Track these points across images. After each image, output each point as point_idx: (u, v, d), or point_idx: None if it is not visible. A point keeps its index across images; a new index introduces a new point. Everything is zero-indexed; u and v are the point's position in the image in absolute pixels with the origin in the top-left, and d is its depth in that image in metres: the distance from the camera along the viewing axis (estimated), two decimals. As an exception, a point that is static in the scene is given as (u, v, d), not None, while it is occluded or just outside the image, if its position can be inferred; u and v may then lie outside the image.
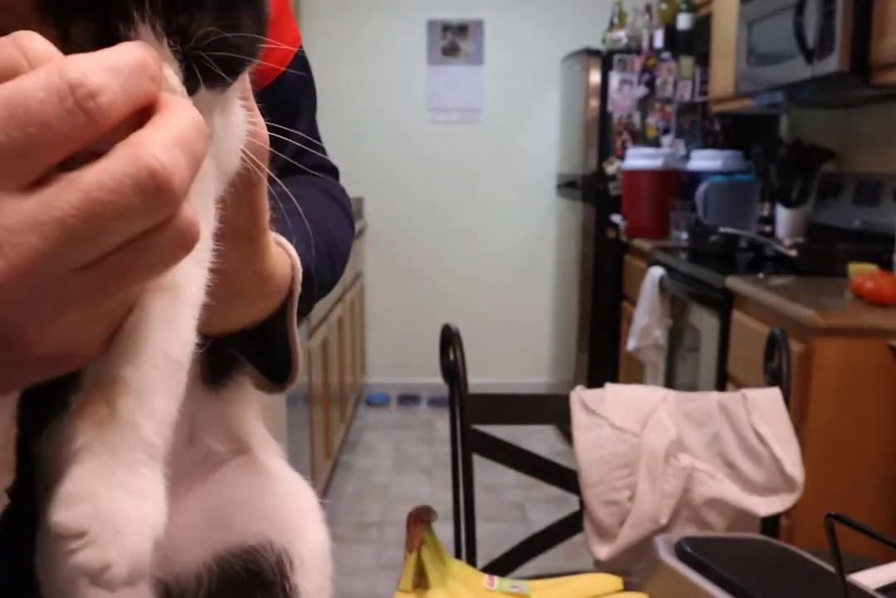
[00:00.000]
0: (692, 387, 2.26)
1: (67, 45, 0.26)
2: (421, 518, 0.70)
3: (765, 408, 1.07)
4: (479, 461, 1.11)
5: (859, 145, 2.56)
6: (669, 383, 2.53)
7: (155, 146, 0.23)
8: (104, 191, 0.22)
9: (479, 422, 1.11)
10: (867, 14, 1.88)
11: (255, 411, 0.47)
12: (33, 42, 0.23)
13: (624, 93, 3.17)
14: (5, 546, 0.36)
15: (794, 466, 1.05)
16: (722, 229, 2.51)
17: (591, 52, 3.20)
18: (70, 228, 0.22)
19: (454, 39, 3.87)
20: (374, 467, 3.18)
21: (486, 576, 0.74)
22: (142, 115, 0.24)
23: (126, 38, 0.26)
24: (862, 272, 1.78)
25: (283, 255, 0.42)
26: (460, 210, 3.97)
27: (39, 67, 0.22)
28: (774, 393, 1.08)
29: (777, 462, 1.05)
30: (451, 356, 1.10)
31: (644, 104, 3.18)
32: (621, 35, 3.28)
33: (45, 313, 0.24)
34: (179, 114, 0.25)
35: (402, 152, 3.91)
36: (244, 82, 0.33)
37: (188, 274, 0.30)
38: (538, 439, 3.30)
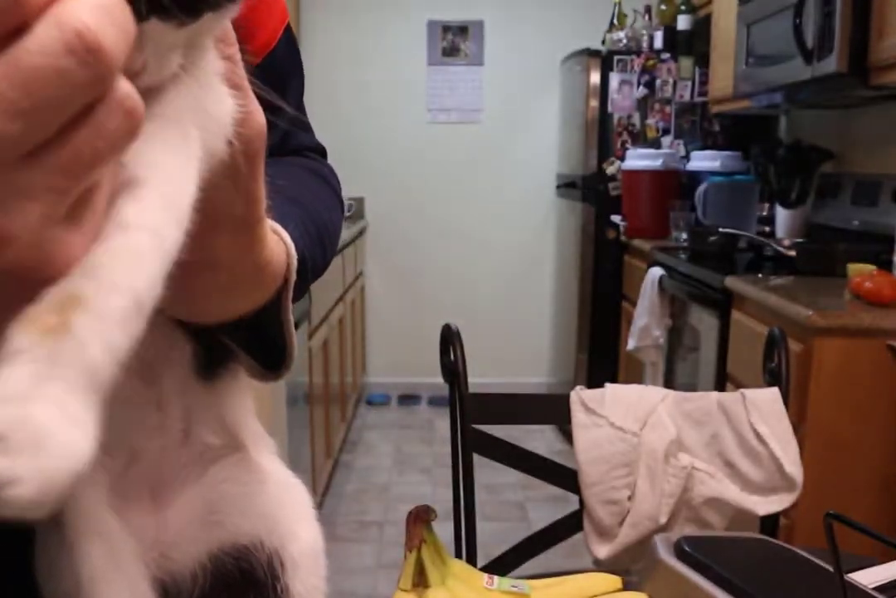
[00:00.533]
0: (691, 387, 2.27)
1: None
2: (421, 518, 0.71)
3: (764, 408, 1.07)
4: (479, 461, 1.11)
5: (858, 146, 2.56)
6: (669, 382, 2.54)
7: (78, 11, 0.22)
8: (34, 56, 0.21)
9: (480, 422, 1.11)
10: (866, 15, 1.89)
11: (249, 404, 0.46)
12: None
13: (624, 93, 3.17)
14: (5, 551, 0.36)
15: (793, 465, 1.05)
16: (721, 230, 2.51)
17: (590, 53, 3.21)
18: (8, 100, 0.21)
19: (454, 40, 3.87)
20: (374, 467, 3.18)
21: (485, 575, 0.74)
22: None
23: None
24: (861, 272, 1.78)
25: (278, 242, 0.42)
26: (460, 210, 3.97)
27: (55, 13, 0.22)
28: (774, 393, 1.08)
29: (776, 462, 1.05)
30: (452, 356, 1.10)
31: (644, 105, 3.18)
32: (621, 36, 3.28)
33: (2, 207, 0.23)
34: None
35: (402, 153, 3.91)
36: (236, 66, 0.32)
37: (166, 223, 0.28)
38: (538, 438, 3.30)
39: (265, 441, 0.47)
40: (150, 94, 0.28)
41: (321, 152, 0.65)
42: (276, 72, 0.53)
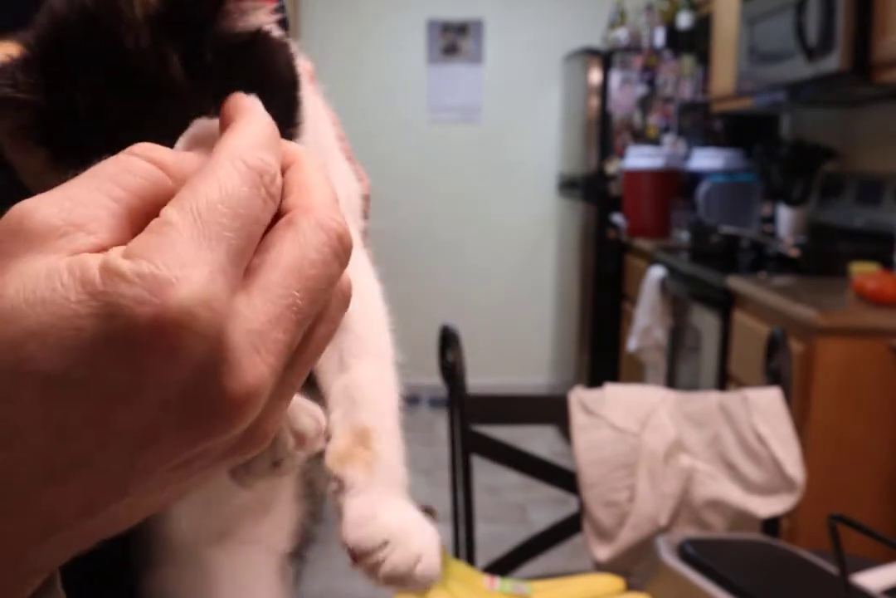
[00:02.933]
0: (693, 387, 2.26)
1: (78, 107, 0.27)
2: (420, 520, 0.70)
3: (765, 408, 1.07)
4: (479, 462, 1.11)
5: (861, 144, 2.55)
6: (670, 383, 2.53)
7: (327, 209, 0.24)
8: (315, 266, 0.23)
9: (479, 423, 1.11)
10: (868, 13, 1.88)
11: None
12: (163, 154, 0.23)
13: (625, 92, 3.17)
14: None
15: (794, 466, 1.04)
16: (723, 229, 2.51)
17: (591, 52, 3.20)
18: (300, 310, 0.23)
19: (454, 39, 3.86)
20: (374, 468, 3.18)
21: (486, 577, 0.74)
22: None
23: None
24: (863, 272, 1.77)
25: None
26: (460, 210, 3.97)
27: (221, 160, 0.23)
28: (775, 393, 1.08)
29: (777, 463, 1.04)
30: (450, 357, 1.09)
31: (645, 103, 3.17)
32: (622, 34, 3.27)
33: (274, 412, 0.25)
34: (315, 169, 0.26)
35: (402, 152, 3.90)
36: (345, 141, 0.37)
37: (385, 347, 0.37)
38: (538, 439, 3.29)
39: None
40: None
41: None
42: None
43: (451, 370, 1.09)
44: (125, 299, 0.20)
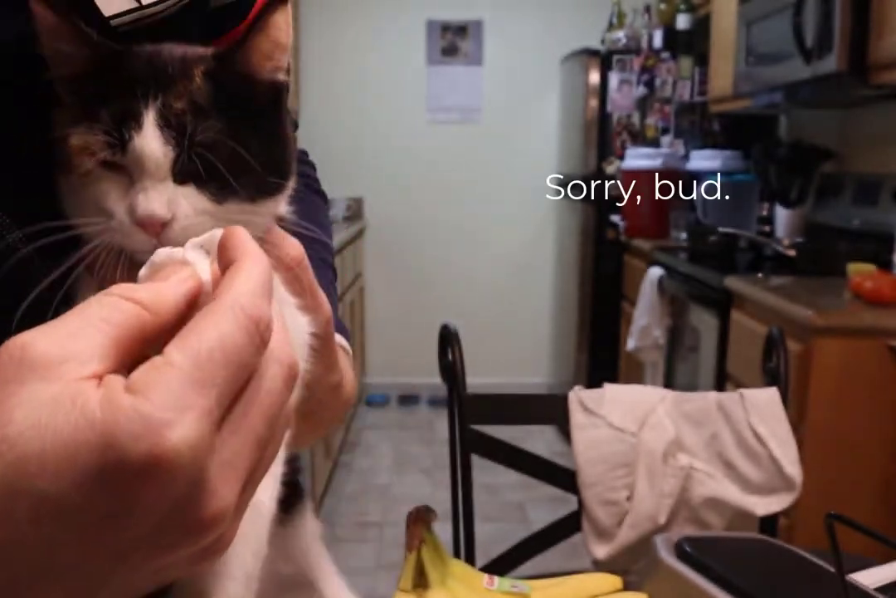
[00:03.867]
0: (691, 387, 2.26)
1: (93, 127, 0.34)
2: (421, 518, 0.70)
3: (763, 408, 1.07)
4: (478, 461, 1.11)
5: (858, 145, 2.56)
6: (669, 382, 2.54)
7: (284, 348, 0.28)
8: (272, 396, 0.27)
9: (478, 422, 1.11)
10: (865, 14, 1.88)
11: (318, 548, 0.51)
12: (140, 293, 0.27)
13: (623, 93, 3.17)
14: None
15: (792, 465, 1.05)
16: (721, 229, 2.51)
17: (590, 53, 3.21)
18: (262, 439, 0.27)
19: (453, 40, 3.87)
20: (373, 468, 3.18)
21: (486, 576, 0.74)
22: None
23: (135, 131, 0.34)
24: (861, 272, 1.78)
25: (345, 359, 0.47)
26: (460, 210, 3.97)
27: (224, 307, 0.26)
28: (773, 393, 1.08)
29: (775, 462, 1.05)
30: (450, 356, 1.10)
31: (643, 104, 3.18)
32: (620, 35, 3.28)
33: (236, 520, 0.28)
34: (280, 314, 0.29)
35: (401, 152, 3.91)
36: (299, 270, 0.39)
37: (265, 488, 0.36)
38: (537, 439, 3.30)
39: (336, 579, 0.52)
40: None
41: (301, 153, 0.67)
42: None
43: (451, 370, 1.10)
44: (122, 433, 0.23)
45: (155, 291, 0.27)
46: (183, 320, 0.27)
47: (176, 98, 0.35)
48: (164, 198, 0.34)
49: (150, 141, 0.34)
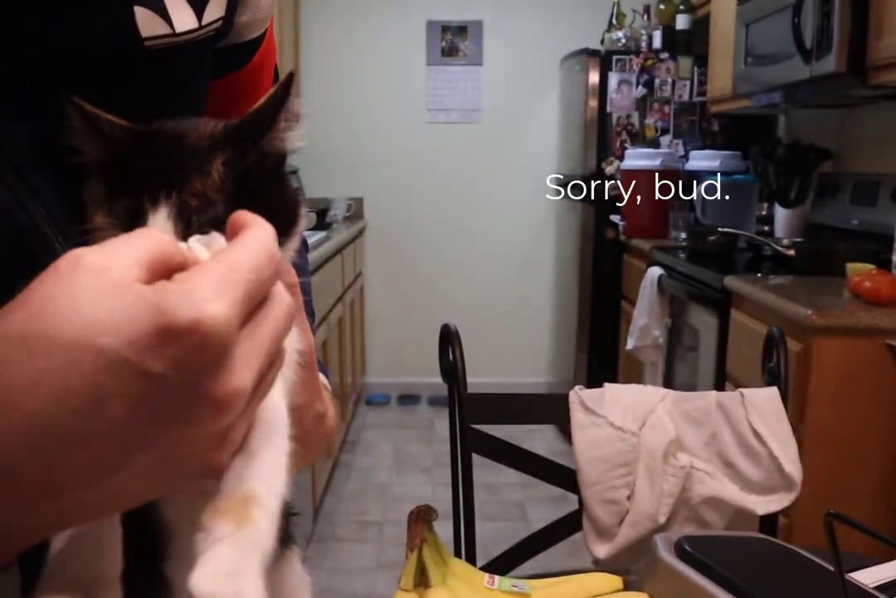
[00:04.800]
0: (691, 386, 2.27)
1: (111, 214, 0.38)
2: (422, 518, 0.71)
3: (763, 407, 1.07)
4: (479, 461, 1.11)
5: (857, 145, 2.56)
6: (668, 382, 2.54)
7: (285, 296, 0.33)
8: (280, 322, 0.32)
9: (479, 422, 1.11)
10: (864, 15, 1.89)
11: (305, 587, 0.52)
12: (171, 239, 0.32)
13: (623, 93, 3.18)
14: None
15: (792, 465, 1.05)
16: (720, 229, 2.52)
17: (589, 53, 3.21)
18: (273, 345, 0.32)
19: (453, 40, 3.87)
20: (374, 467, 3.18)
21: (486, 575, 0.74)
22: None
23: (145, 217, 0.38)
24: (860, 272, 1.78)
25: (326, 394, 0.50)
26: (460, 210, 3.97)
27: (250, 241, 0.32)
28: (773, 392, 1.09)
29: (775, 461, 1.05)
30: (451, 356, 1.10)
31: (643, 104, 3.18)
32: (620, 36, 3.28)
33: (243, 422, 0.33)
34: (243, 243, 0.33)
35: (401, 153, 3.91)
36: (295, 296, 0.41)
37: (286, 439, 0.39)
38: (538, 438, 3.30)
39: None
40: None
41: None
42: None
43: (452, 369, 1.10)
44: (170, 304, 0.28)
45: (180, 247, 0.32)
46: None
47: (190, 195, 0.38)
48: None
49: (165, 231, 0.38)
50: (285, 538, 0.51)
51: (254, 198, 0.39)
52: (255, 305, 0.31)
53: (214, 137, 0.40)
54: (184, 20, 0.42)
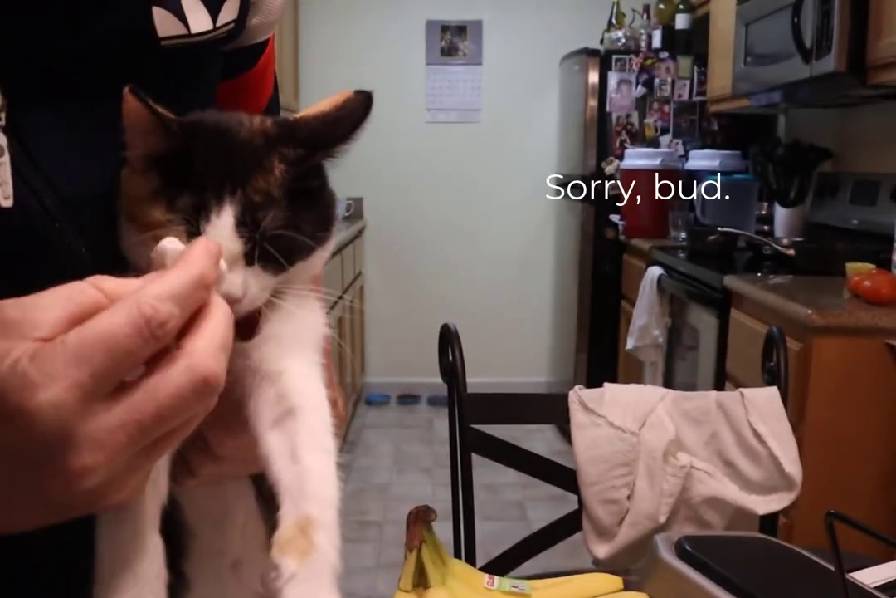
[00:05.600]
0: (691, 386, 2.27)
1: (173, 209, 0.38)
2: (421, 518, 0.70)
3: (763, 407, 1.07)
4: (478, 460, 1.11)
5: (857, 145, 2.56)
6: (668, 382, 2.54)
7: (206, 356, 0.32)
8: (172, 398, 0.31)
9: (479, 422, 1.11)
10: (864, 14, 1.89)
11: None
12: (109, 284, 0.32)
13: (622, 93, 3.17)
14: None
15: (792, 464, 1.05)
16: (720, 229, 2.52)
17: (589, 53, 3.21)
18: (146, 426, 0.31)
19: (453, 40, 3.87)
20: (373, 467, 3.18)
21: (486, 576, 0.74)
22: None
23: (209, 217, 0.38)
24: (860, 271, 1.78)
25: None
26: (459, 210, 3.97)
27: (120, 303, 0.31)
28: (772, 392, 1.08)
29: (775, 461, 1.05)
30: (450, 356, 1.10)
31: (642, 104, 3.18)
32: (619, 35, 3.28)
33: (120, 481, 0.32)
34: (217, 316, 0.33)
35: (401, 152, 3.91)
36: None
37: (329, 441, 0.41)
38: (538, 438, 3.30)
39: None
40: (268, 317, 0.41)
41: None
42: None
43: (451, 369, 1.10)
44: (9, 387, 0.29)
45: (122, 284, 0.33)
46: None
47: (254, 192, 0.39)
48: (239, 280, 0.39)
49: (226, 236, 0.38)
50: None
51: (306, 197, 0.41)
52: (118, 373, 0.31)
53: (269, 135, 0.41)
54: (199, 21, 0.44)
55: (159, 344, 0.31)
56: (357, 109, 0.44)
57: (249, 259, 0.39)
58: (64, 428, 0.30)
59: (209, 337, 0.32)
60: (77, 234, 0.41)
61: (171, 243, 0.35)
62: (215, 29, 0.45)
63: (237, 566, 0.48)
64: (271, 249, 0.39)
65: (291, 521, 0.36)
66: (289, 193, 0.40)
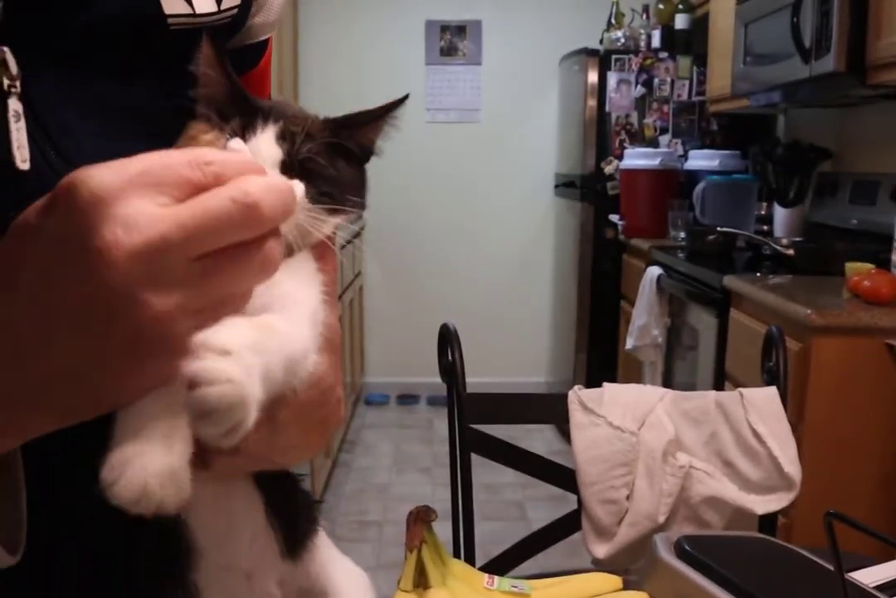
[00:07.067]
0: (690, 386, 2.27)
1: (223, 130, 0.44)
2: (421, 518, 0.70)
3: (762, 407, 1.07)
4: (478, 460, 1.11)
5: (856, 145, 2.56)
6: (668, 381, 2.54)
7: (253, 184, 0.34)
8: (215, 207, 0.33)
9: (478, 421, 1.11)
10: (863, 14, 1.89)
11: (328, 556, 0.56)
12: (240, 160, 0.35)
13: (622, 93, 3.17)
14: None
15: (791, 464, 1.05)
16: (720, 229, 2.52)
17: (589, 53, 3.21)
18: (187, 226, 0.32)
19: (453, 40, 3.87)
20: (373, 467, 3.18)
21: (486, 576, 0.74)
22: None
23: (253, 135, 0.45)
24: (859, 271, 1.78)
25: None
26: (459, 210, 3.97)
27: (235, 182, 0.34)
28: (772, 392, 1.08)
29: (774, 461, 1.05)
30: (450, 356, 1.10)
31: (642, 104, 3.18)
32: (619, 35, 3.28)
33: (161, 286, 0.32)
34: (283, 183, 0.36)
35: (400, 152, 3.90)
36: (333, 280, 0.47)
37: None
38: (538, 438, 3.30)
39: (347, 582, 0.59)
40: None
41: None
42: None
43: (451, 369, 1.10)
44: (70, 176, 0.32)
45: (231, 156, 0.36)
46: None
47: (293, 124, 0.46)
48: (283, 178, 0.43)
49: (265, 143, 0.44)
50: (311, 524, 0.54)
51: (340, 158, 0.48)
52: (170, 187, 0.33)
53: (310, 116, 0.49)
54: (204, 3, 0.47)
55: (205, 179, 0.33)
56: (391, 103, 0.52)
57: (286, 173, 0.44)
58: (104, 198, 0.31)
59: (266, 180, 0.35)
60: None
61: (236, 143, 0.41)
62: (220, 12, 0.48)
63: (250, 577, 0.48)
64: (305, 166, 0.45)
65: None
66: (327, 149, 0.47)
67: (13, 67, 0.39)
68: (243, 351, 0.34)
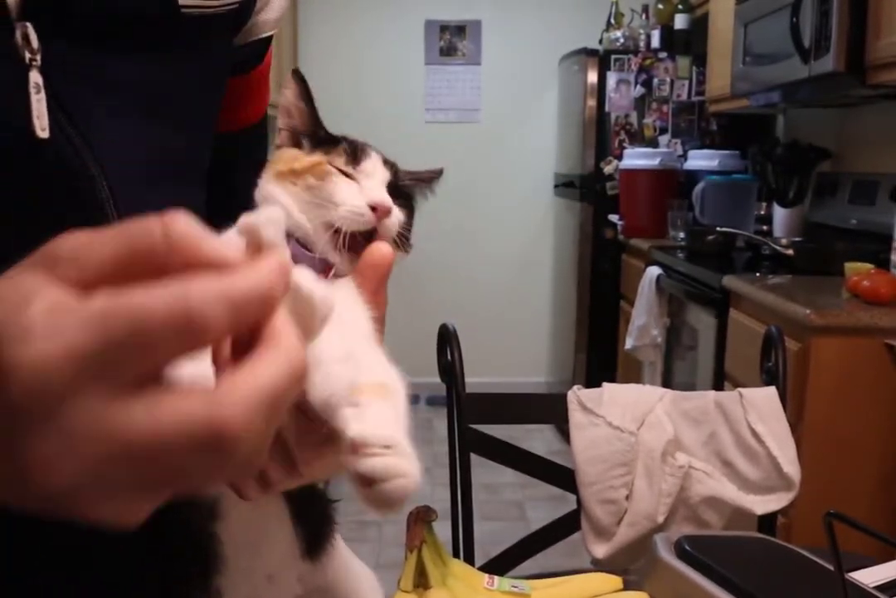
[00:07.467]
0: (690, 386, 2.27)
1: (328, 151, 0.51)
2: (422, 518, 0.70)
3: (762, 407, 1.07)
4: (477, 460, 1.11)
5: (856, 145, 2.56)
6: (667, 381, 2.54)
7: (236, 407, 0.25)
8: (174, 436, 0.25)
9: (477, 422, 1.11)
10: (863, 14, 1.89)
11: (345, 559, 0.58)
12: (181, 228, 0.26)
13: (621, 93, 3.17)
14: None
15: (790, 464, 1.05)
16: (719, 229, 2.52)
17: (588, 53, 3.21)
18: (133, 454, 0.25)
19: (452, 40, 3.87)
20: (372, 467, 3.18)
21: (486, 576, 0.74)
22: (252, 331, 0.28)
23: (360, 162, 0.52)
24: (858, 271, 1.78)
25: None
26: (458, 210, 3.97)
27: (170, 288, 0.25)
28: (771, 392, 1.09)
29: (774, 461, 1.05)
30: (449, 356, 1.10)
31: (641, 104, 3.18)
32: (618, 35, 3.28)
33: (99, 494, 0.26)
34: (274, 360, 0.27)
35: (399, 152, 3.83)
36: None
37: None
38: (536, 438, 3.30)
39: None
40: None
41: None
42: (248, 143, 0.65)
43: (450, 369, 1.10)
44: (8, 332, 0.25)
45: (195, 235, 0.27)
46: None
47: (384, 160, 0.52)
48: (387, 196, 0.49)
49: (378, 164, 0.51)
50: (329, 526, 0.56)
51: (405, 201, 0.53)
52: (131, 366, 0.25)
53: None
54: None
55: (192, 346, 0.26)
56: (435, 172, 0.58)
57: (392, 197, 0.50)
58: (41, 395, 0.24)
59: (253, 383, 0.26)
60: (105, 185, 0.44)
61: (272, 212, 0.31)
62: (231, 3, 0.50)
63: (272, 579, 0.50)
64: (402, 190, 0.51)
65: (370, 381, 0.38)
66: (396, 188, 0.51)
67: (34, 42, 0.41)
68: (400, 438, 0.37)
